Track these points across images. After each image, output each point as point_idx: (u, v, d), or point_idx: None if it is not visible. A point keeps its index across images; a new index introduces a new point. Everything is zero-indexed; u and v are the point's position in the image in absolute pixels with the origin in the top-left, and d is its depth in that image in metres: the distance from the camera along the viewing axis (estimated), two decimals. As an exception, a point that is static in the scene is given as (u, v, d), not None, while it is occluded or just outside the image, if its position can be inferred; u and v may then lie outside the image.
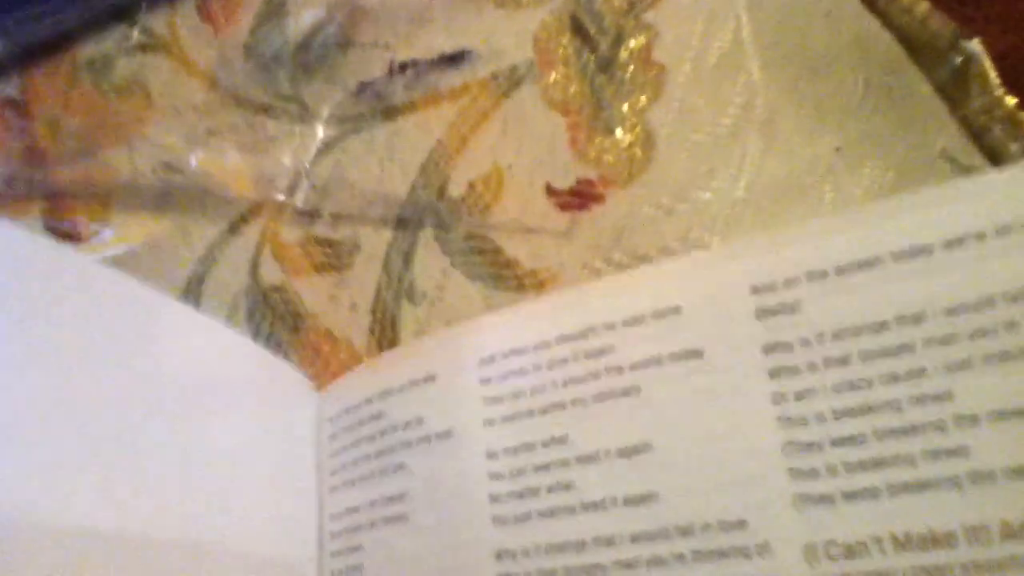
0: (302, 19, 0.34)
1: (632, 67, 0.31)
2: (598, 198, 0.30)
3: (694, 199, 0.29)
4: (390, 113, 0.32)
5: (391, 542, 0.24)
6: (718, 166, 0.29)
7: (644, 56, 0.31)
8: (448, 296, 0.30)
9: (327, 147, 0.33)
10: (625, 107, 0.30)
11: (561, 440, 0.22)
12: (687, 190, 0.29)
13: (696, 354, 0.21)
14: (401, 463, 0.24)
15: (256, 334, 0.32)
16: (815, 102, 0.29)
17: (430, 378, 0.24)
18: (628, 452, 0.21)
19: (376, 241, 0.31)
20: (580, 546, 0.21)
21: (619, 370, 0.22)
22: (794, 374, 0.20)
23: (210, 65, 0.35)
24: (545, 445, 0.22)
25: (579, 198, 0.30)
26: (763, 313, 0.20)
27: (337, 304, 0.31)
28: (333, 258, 0.31)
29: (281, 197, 0.33)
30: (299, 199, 0.32)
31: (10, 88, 0.40)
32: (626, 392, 0.21)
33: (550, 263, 0.29)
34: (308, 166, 0.33)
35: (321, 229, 0.32)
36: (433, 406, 0.24)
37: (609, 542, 0.20)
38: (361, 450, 0.25)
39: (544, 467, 0.22)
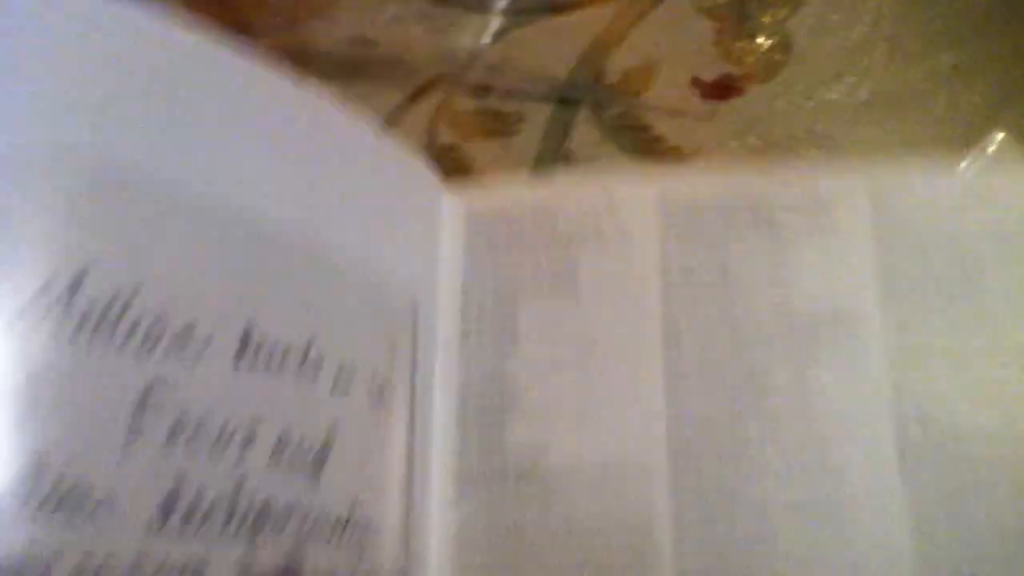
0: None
1: (776, -16, 0.35)
2: (738, 91, 0.34)
3: (821, 98, 0.34)
4: (557, 9, 0.37)
5: None
6: (845, 72, 0.34)
7: (787, -25, 0.35)
8: (599, 162, 0.35)
9: (500, 34, 0.38)
10: (767, 18, 0.35)
11: None
12: (816, 90, 0.34)
13: None
14: None
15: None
16: (941, 21, 0.33)
17: None
18: None
19: (539, 114, 0.36)
20: None
21: None
22: None
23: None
24: None
25: (721, 90, 0.35)
26: None
27: (502, 163, 0.36)
28: (501, 125, 0.37)
29: (457, 73, 0.38)
30: (473, 76, 0.38)
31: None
32: None
33: (691, 141, 0.34)
34: (483, 49, 0.38)
35: (491, 102, 0.37)
36: None
37: None
38: None
39: None
